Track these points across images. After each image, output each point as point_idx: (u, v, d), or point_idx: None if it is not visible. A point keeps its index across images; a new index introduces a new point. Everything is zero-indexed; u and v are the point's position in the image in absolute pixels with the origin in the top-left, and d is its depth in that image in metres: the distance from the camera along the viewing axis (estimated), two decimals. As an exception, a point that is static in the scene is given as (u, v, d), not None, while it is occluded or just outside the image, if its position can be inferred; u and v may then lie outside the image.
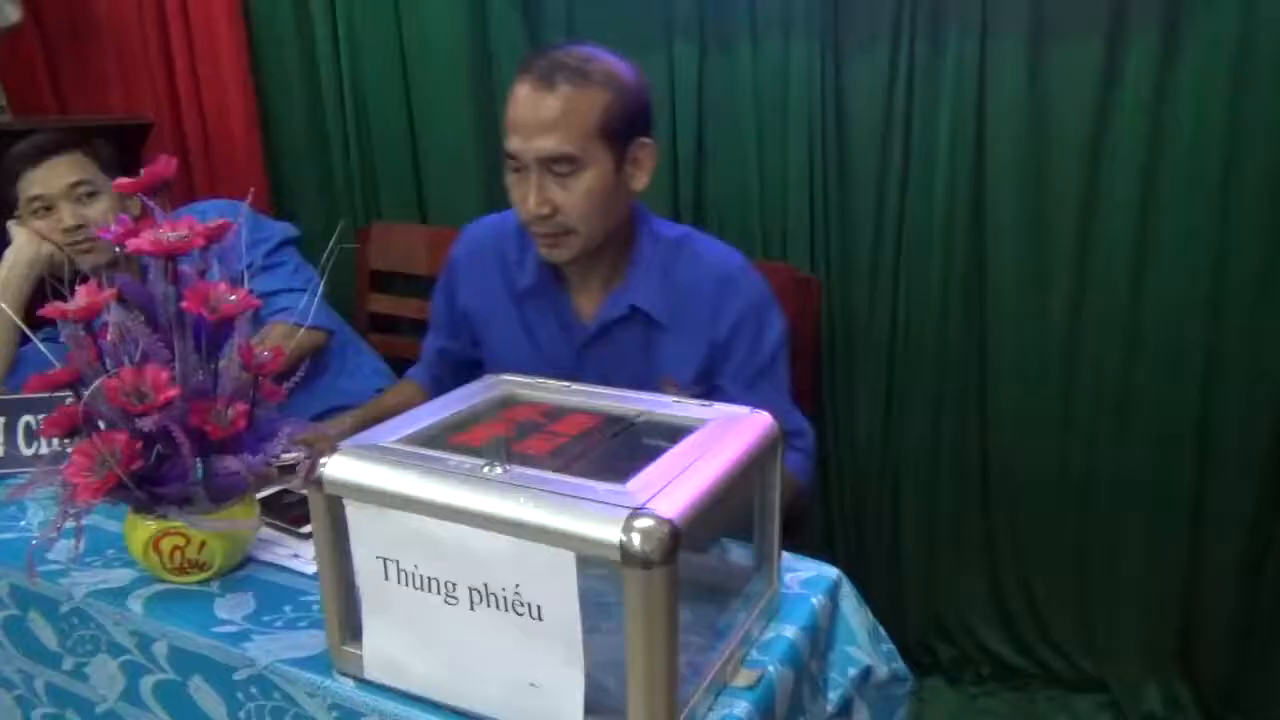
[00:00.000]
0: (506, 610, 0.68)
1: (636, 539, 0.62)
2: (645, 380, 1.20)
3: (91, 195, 1.52)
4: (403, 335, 2.07)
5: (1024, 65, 1.56)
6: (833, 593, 0.92)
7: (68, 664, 0.97)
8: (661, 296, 1.23)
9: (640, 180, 1.19)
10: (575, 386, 0.92)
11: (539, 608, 0.67)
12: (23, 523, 1.07)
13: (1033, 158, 1.60)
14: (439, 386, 1.44)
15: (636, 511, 0.63)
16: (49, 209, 1.50)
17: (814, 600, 0.89)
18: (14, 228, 1.50)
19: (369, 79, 2.02)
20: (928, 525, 1.83)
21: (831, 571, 0.94)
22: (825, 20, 1.65)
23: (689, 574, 0.86)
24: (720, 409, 0.83)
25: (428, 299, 2.04)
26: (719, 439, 0.77)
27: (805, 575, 0.93)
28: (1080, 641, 1.80)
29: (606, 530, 0.63)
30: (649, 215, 1.28)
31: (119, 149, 1.64)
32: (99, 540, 1.01)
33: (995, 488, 1.78)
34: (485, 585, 0.69)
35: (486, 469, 0.70)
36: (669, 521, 0.63)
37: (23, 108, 2.20)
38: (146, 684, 0.91)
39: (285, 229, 1.66)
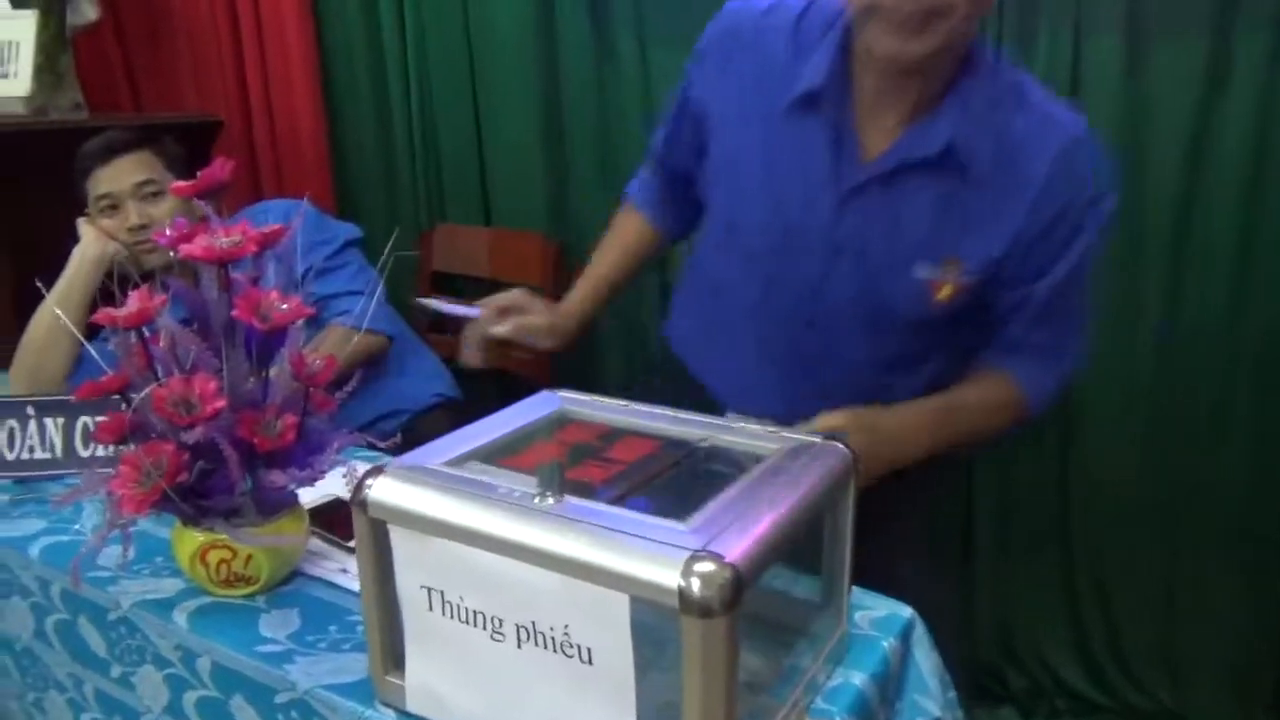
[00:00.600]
0: (555, 651, 0.64)
1: (696, 585, 0.57)
2: (926, 250, 0.99)
3: (157, 195, 1.53)
4: (462, 337, 2.05)
5: (1120, 65, 1.48)
6: (905, 635, 0.86)
7: (115, 672, 0.96)
8: (986, 139, 0.95)
9: None
10: (634, 406, 0.87)
11: (589, 650, 0.62)
12: (77, 526, 1.06)
13: (1128, 157, 1.51)
14: (664, 210, 1.28)
15: (697, 554, 0.58)
16: (115, 207, 1.51)
17: (885, 644, 0.83)
18: (83, 225, 1.52)
19: (435, 81, 2.01)
20: (1001, 534, 1.75)
21: (905, 611, 0.88)
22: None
23: (751, 609, 0.81)
24: (789, 437, 0.78)
25: (489, 301, 2.03)
26: (788, 471, 0.71)
27: (877, 614, 0.87)
28: (1162, 672, 1.70)
29: (664, 574, 0.58)
30: (984, 44, 1.02)
31: (190, 148, 1.65)
32: (150, 546, 1.00)
33: (1074, 496, 1.69)
34: (533, 623, 0.64)
35: (538, 499, 0.66)
36: (732, 566, 0.58)
37: (101, 105, 2.24)
38: (189, 699, 0.89)
39: (349, 230, 1.65)
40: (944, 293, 1.01)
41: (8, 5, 1.83)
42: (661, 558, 0.59)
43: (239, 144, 2.18)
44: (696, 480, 0.73)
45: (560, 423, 0.85)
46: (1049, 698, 1.77)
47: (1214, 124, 1.45)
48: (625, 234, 1.30)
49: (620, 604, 0.60)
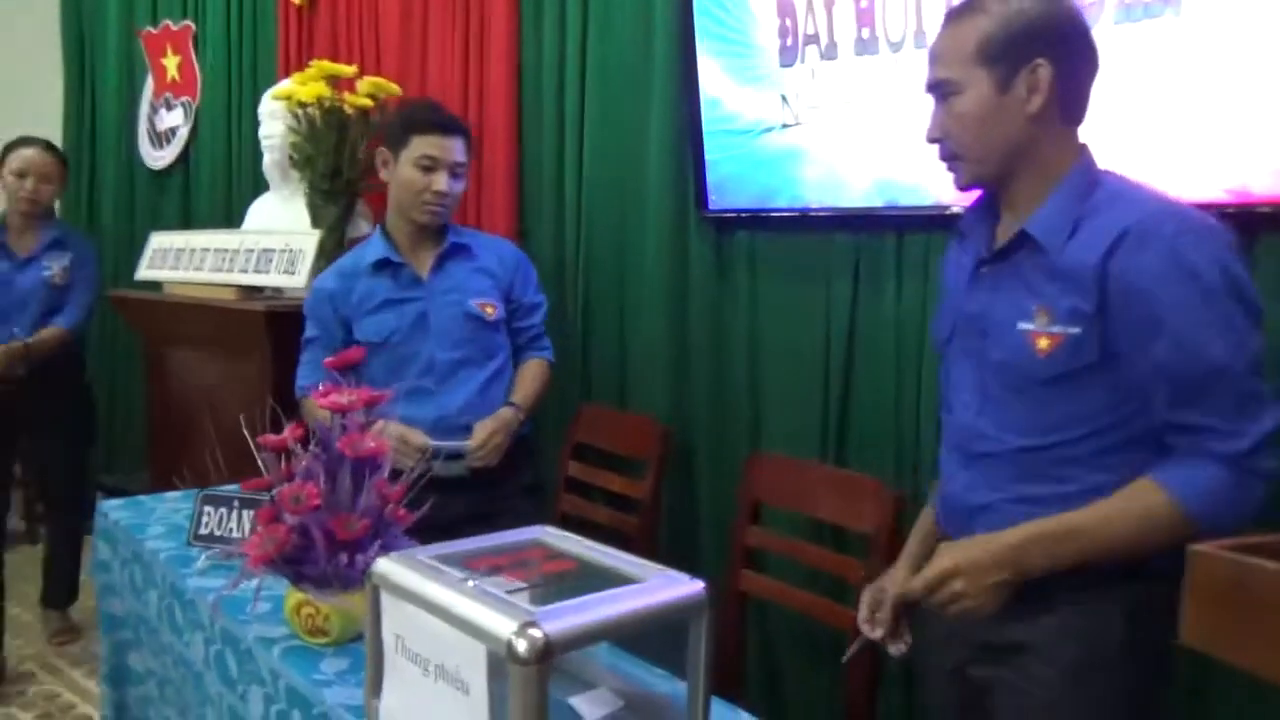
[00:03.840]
0: (450, 684, 0.96)
1: (522, 643, 0.88)
2: (1024, 307, 1.19)
3: (459, 176, 1.98)
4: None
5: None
6: (764, 752, 1.08)
7: (240, 690, 1.36)
8: (1062, 224, 1.18)
9: (1034, 103, 1.18)
10: (597, 546, 1.18)
11: (467, 684, 0.94)
12: (243, 585, 1.51)
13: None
14: None
15: (526, 623, 0.89)
16: (430, 170, 1.92)
17: (739, 751, 1.06)
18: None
19: (594, 282, 2.49)
20: None
21: (766, 731, 1.10)
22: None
23: (630, 697, 1.07)
24: (665, 571, 1.06)
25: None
26: (640, 594, 1.00)
27: (742, 731, 1.10)
28: None
29: (505, 632, 0.89)
30: (1093, 162, 1.22)
31: None
32: (278, 604, 1.42)
33: None
34: (443, 664, 0.97)
35: (463, 581, 1.00)
36: (545, 634, 0.88)
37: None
38: (272, 711, 1.27)
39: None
40: (1043, 343, 1.17)
41: (308, 223, 2.57)
42: (508, 622, 0.90)
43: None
44: (581, 587, 1.03)
45: (529, 546, 1.18)
46: None
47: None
48: None
49: (480, 651, 0.92)
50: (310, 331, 2.04)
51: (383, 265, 1.98)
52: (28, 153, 2.84)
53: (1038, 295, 1.18)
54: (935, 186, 1.83)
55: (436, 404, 1.94)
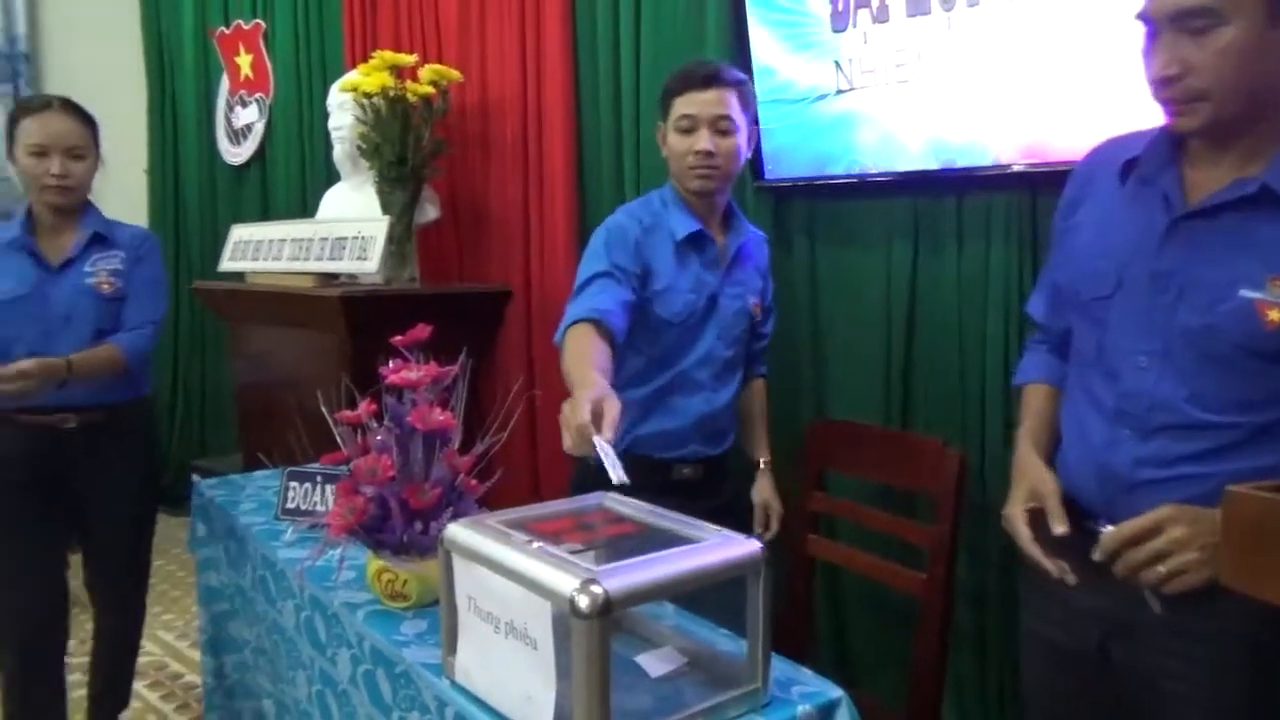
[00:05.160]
0: (520, 640, 1.01)
1: (584, 600, 0.93)
2: (1253, 274, 1.07)
3: (727, 132, 1.71)
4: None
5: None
6: (827, 710, 1.10)
7: (329, 653, 1.45)
8: None
9: None
10: (658, 510, 1.21)
11: (535, 640, 0.99)
12: (328, 554, 1.59)
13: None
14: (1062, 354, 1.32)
15: (587, 580, 0.94)
16: (690, 131, 1.72)
17: (800, 708, 1.08)
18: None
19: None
20: None
21: (835, 691, 1.12)
22: (1022, 227, 1.82)
23: (711, 666, 1.11)
24: (723, 532, 1.09)
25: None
26: (699, 553, 1.04)
27: (807, 689, 1.12)
28: None
29: (567, 589, 0.94)
30: None
31: (491, 308, 2.23)
32: (360, 570, 1.50)
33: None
34: (512, 621, 1.02)
35: (529, 543, 1.05)
36: (606, 591, 0.93)
37: (433, 277, 3.02)
38: (359, 670, 1.35)
39: None
40: (1274, 315, 1.06)
41: (378, 210, 2.66)
42: (570, 580, 0.95)
43: (520, 306, 2.82)
44: (641, 548, 1.07)
45: (592, 511, 1.23)
46: None
47: None
48: (1038, 401, 1.35)
49: (546, 608, 0.97)
50: (599, 266, 1.69)
51: (692, 240, 1.76)
52: (49, 120, 2.02)
53: (1272, 262, 1.06)
54: (994, 145, 1.81)
55: (706, 399, 1.79)
